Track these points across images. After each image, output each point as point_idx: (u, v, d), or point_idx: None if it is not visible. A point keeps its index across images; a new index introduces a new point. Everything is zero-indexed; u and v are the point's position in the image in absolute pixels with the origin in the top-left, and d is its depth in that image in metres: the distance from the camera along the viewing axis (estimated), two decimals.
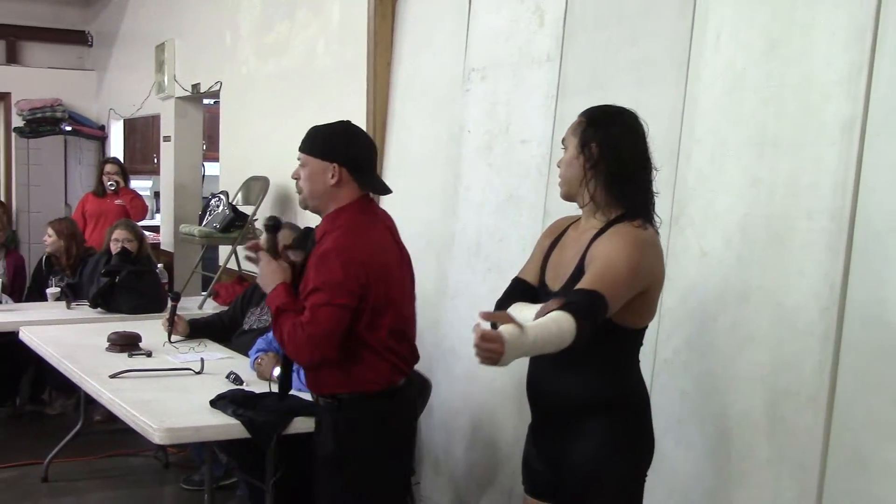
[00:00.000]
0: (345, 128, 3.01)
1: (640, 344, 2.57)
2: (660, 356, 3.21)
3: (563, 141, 2.57)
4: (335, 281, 2.79)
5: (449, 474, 4.37)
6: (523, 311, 2.39)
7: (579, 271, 2.42)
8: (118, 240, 5.71)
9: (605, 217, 2.49)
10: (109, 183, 7.48)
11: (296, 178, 2.98)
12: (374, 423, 2.92)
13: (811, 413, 2.73)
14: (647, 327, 2.55)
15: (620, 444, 2.49)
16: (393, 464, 3.02)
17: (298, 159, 2.97)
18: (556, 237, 2.65)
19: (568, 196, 2.58)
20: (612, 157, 2.47)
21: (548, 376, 2.55)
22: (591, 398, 2.46)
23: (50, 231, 6.27)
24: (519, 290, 2.63)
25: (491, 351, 2.09)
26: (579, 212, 2.62)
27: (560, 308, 2.19)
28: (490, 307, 4.00)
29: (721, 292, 3.03)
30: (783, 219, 2.85)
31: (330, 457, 2.92)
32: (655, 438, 3.18)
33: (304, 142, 2.98)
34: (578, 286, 2.31)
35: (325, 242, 2.87)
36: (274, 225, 2.96)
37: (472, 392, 4.19)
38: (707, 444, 3.04)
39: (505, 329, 2.12)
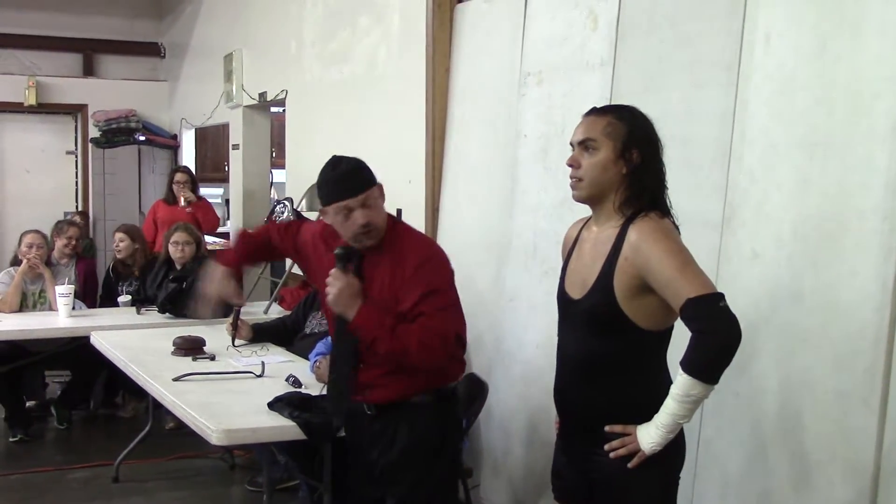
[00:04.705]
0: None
1: (666, 347, 2.52)
2: None
3: (589, 141, 2.46)
4: (448, 282, 3.03)
5: (507, 476, 4.40)
6: None
7: (605, 276, 2.41)
8: (178, 242, 5.86)
9: (622, 216, 2.44)
10: (185, 202, 7.60)
11: (369, 222, 2.96)
12: (457, 411, 3.27)
13: (864, 414, 2.70)
14: (671, 329, 2.49)
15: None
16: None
17: (365, 202, 2.94)
18: (572, 244, 2.63)
19: (592, 199, 2.49)
20: (653, 163, 2.45)
21: (574, 385, 2.54)
22: (618, 406, 2.44)
23: (121, 236, 6.44)
24: None
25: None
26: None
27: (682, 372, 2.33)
28: (546, 310, 4.07)
29: (773, 293, 3.01)
30: (834, 219, 2.83)
31: (433, 448, 3.08)
32: (707, 440, 3.19)
33: (364, 182, 2.97)
34: (681, 301, 2.30)
35: (417, 248, 3.02)
36: (346, 255, 2.95)
37: (529, 394, 4.21)
38: (760, 445, 3.02)
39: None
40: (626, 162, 2.44)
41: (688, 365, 2.31)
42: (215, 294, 3.37)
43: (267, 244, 3.42)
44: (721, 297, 2.33)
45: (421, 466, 3.07)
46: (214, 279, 3.36)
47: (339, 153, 3.08)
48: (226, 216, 9.71)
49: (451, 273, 3.07)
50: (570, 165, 2.51)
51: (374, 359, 2.98)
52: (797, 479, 2.88)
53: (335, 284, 2.90)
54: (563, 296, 2.58)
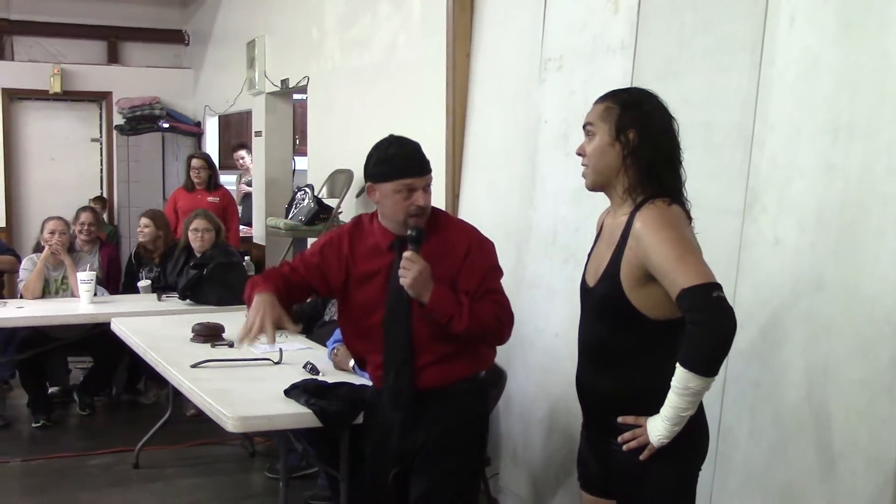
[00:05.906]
0: None
1: (678, 337, 2.41)
2: (733, 346, 3.14)
3: (589, 127, 2.45)
4: (498, 262, 3.07)
5: (527, 466, 4.36)
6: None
7: (613, 265, 2.38)
8: (197, 229, 5.84)
9: (632, 202, 2.40)
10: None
11: (427, 205, 2.95)
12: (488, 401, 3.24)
13: (887, 404, 2.64)
14: (682, 319, 2.38)
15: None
16: None
17: (427, 184, 2.94)
18: (598, 232, 2.61)
19: (599, 186, 2.47)
20: (653, 143, 2.39)
21: (589, 375, 2.51)
22: (626, 396, 2.41)
23: (146, 221, 6.40)
24: None
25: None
26: None
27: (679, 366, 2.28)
28: (566, 297, 4.02)
29: (795, 281, 2.95)
30: (858, 205, 2.77)
31: (472, 437, 3.05)
32: (728, 429, 3.14)
33: (428, 164, 2.97)
34: (676, 291, 2.25)
35: (462, 233, 3.04)
36: (418, 237, 2.89)
37: (549, 383, 4.17)
38: (781, 435, 2.97)
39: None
40: (623, 144, 2.39)
41: (683, 357, 2.27)
42: (269, 319, 2.87)
43: (292, 272, 3.14)
44: (716, 286, 2.26)
45: (458, 454, 3.01)
46: (260, 306, 2.91)
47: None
48: None
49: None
50: (578, 154, 2.50)
51: (424, 347, 2.94)
52: (819, 469, 2.83)
53: (413, 268, 2.81)
54: (583, 283, 2.56)
